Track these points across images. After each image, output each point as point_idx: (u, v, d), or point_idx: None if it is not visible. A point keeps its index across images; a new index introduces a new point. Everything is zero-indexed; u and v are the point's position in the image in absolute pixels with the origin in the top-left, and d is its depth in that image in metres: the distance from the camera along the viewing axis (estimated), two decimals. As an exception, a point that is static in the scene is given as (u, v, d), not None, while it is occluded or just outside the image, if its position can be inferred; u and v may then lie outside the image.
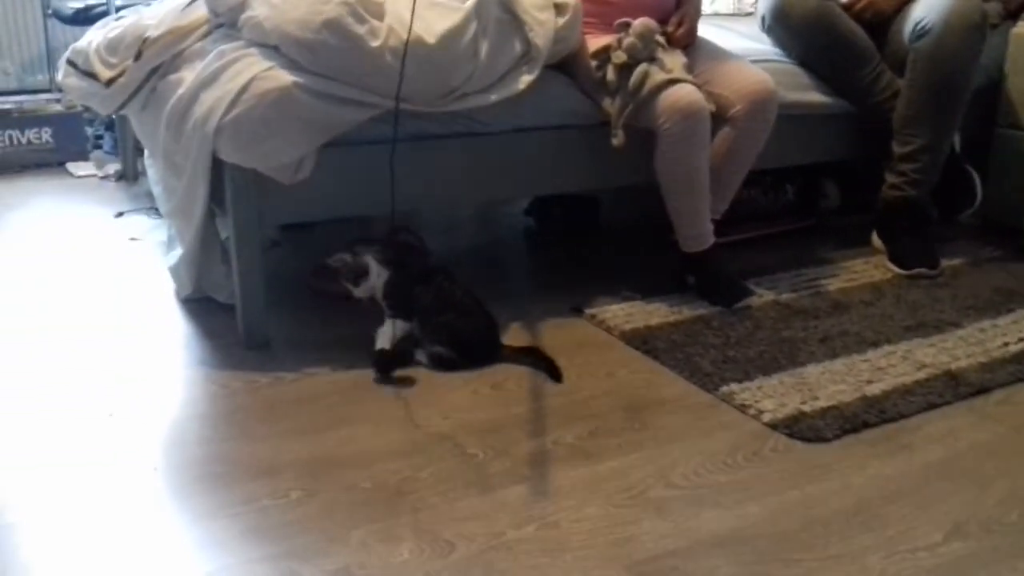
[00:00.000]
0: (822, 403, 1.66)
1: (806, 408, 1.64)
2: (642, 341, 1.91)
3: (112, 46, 2.11)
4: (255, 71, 1.78)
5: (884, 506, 1.38)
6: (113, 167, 3.45)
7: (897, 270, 2.35)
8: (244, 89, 1.76)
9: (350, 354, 1.89)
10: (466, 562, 1.24)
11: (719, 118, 2.10)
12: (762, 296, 2.17)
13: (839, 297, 2.18)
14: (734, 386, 1.72)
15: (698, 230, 2.12)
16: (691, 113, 1.98)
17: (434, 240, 2.69)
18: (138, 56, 2.02)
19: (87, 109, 3.46)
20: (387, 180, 1.96)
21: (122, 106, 2.14)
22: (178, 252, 2.14)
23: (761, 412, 1.63)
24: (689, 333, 1.96)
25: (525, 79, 1.99)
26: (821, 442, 1.55)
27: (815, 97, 2.44)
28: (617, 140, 2.05)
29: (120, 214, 2.95)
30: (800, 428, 1.58)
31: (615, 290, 2.21)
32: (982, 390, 1.72)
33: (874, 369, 1.79)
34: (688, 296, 2.16)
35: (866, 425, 1.60)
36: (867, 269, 2.38)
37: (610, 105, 2.07)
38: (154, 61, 2.01)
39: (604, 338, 1.98)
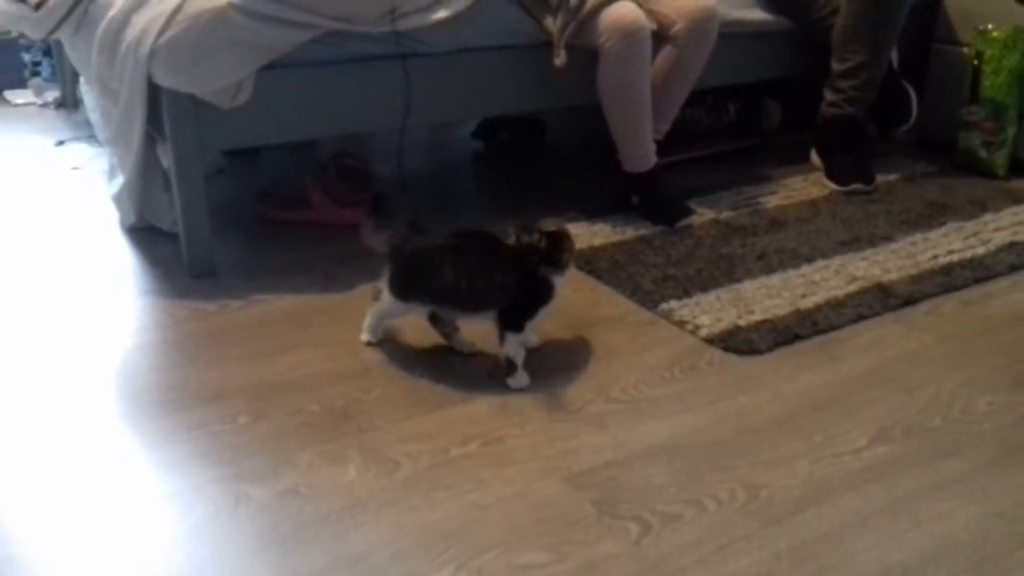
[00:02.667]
0: (757, 317, 1.68)
1: (741, 322, 1.66)
2: (585, 261, 1.92)
3: (39, -33, 2.01)
4: (187, -8, 1.71)
5: (813, 414, 1.41)
6: (52, 94, 3.33)
7: (834, 186, 2.37)
8: (177, 10, 1.70)
9: (297, 280, 1.87)
10: (412, 479, 1.26)
11: (660, 37, 2.08)
12: (703, 215, 2.18)
13: (777, 214, 2.19)
14: (673, 303, 1.74)
15: (640, 150, 2.11)
16: (632, 31, 1.95)
17: (382, 165, 2.66)
18: (67, -23, 1.93)
19: (23, 35, 3.32)
20: (329, 103, 1.93)
21: (54, 30, 2.05)
22: (120, 180, 2.08)
23: (698, 328, 1.65)
24: (631, 253, 1.97)
25: (466, -4, 1.95)
26: (755, 355, 1.58)
27: (756, 15, 2.42)
28: (559, 60, 2.02)
29: (61, 142, 2.86)
30: (735, 342, 1.60)
31: (560, 211, 2.20)
32: (910, 301, 1.76)
33: (808, 283, 1.82)
34: (631, 216, 2.16)
35: (798, 337, 1.63)
36: (805, 186, 2.40)
37: (552, 24, 2.03)
38: (84, -17, 1.92)
39: (549, 258, 1.98)
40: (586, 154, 2.79)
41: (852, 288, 1.80)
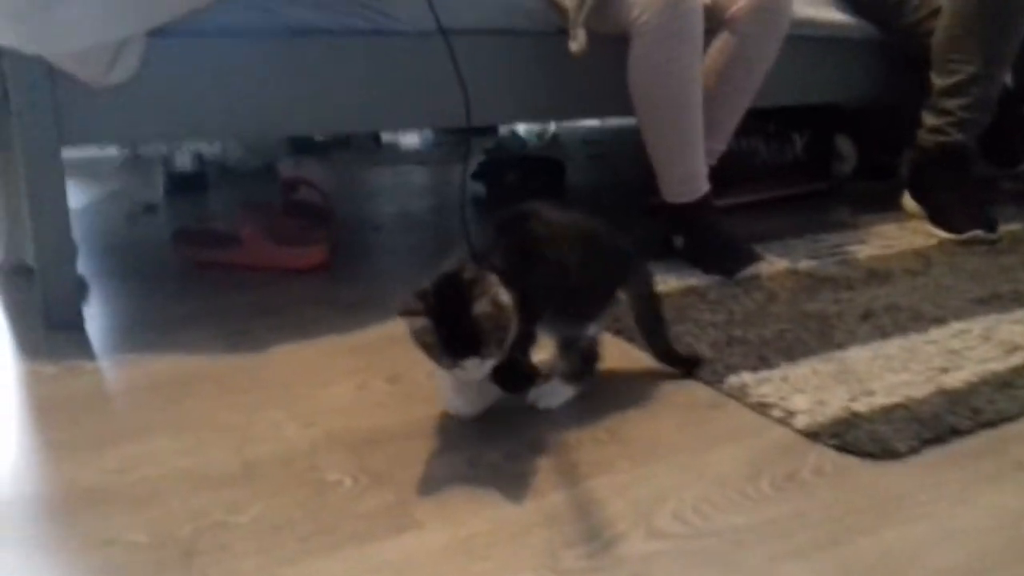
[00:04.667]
0: (881, 400, 1.07)
1: (859, 407, 1.05)
2: (614, 319, 1.31)
3: None
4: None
5: (1020, 566, 0.78)
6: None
7: (943, 234, 1.77)
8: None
9: (190, 335, 1.29)
10: None
11: (714, 21, 1.53)
12: (772, 264, 1.58)
13: (875, 265, 1.60)
14: (746, 376, 1.13)
15: (688, 170, 1.53)
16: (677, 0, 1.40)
17: (358, 205, 2.12)
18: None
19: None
20: (256, 90, 1.37)
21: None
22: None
23: (792, 414, 1.04)
24: (677, 307, 1.37)
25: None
26: (891, 458, 0.96)
27: (832, 15, 1.89)
28: (577, 44, 1.46)
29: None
30: (855, 437, 0.99)
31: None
32: (1110, 380, 1.14)
33: (946, 352, 1.21)
34: (674, 263, 1.57)
35: (955, 432, 1.01)
36: (903, 235, 1.80)
37: (567, -1, 1.49)
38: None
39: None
40: (610, 202, 2.22)
41: (1015, 360, 1.18)
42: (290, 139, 2.60)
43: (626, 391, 1.12)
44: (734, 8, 1.52)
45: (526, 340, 1.01)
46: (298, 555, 0.78)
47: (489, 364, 0.93)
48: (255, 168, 2.37)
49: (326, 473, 0.92)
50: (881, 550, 0.81)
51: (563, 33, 1.51)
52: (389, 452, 0.97)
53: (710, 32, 1.51)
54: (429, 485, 0.91)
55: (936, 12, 1.84)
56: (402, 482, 0.91)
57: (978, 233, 1.73)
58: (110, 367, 1.19)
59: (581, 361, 1.08)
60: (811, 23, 1.81)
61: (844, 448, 0.97)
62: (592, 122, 3.32)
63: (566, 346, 1.07)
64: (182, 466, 0.93)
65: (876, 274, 1.54)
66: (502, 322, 0.92)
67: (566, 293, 1.02)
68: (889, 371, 1.15)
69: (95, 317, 1.36)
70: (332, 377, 1.15)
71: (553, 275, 1.01)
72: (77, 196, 2.14)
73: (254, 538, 0.81)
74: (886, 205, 1.99)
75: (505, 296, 0.92)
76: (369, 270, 1.64)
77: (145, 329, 1.32)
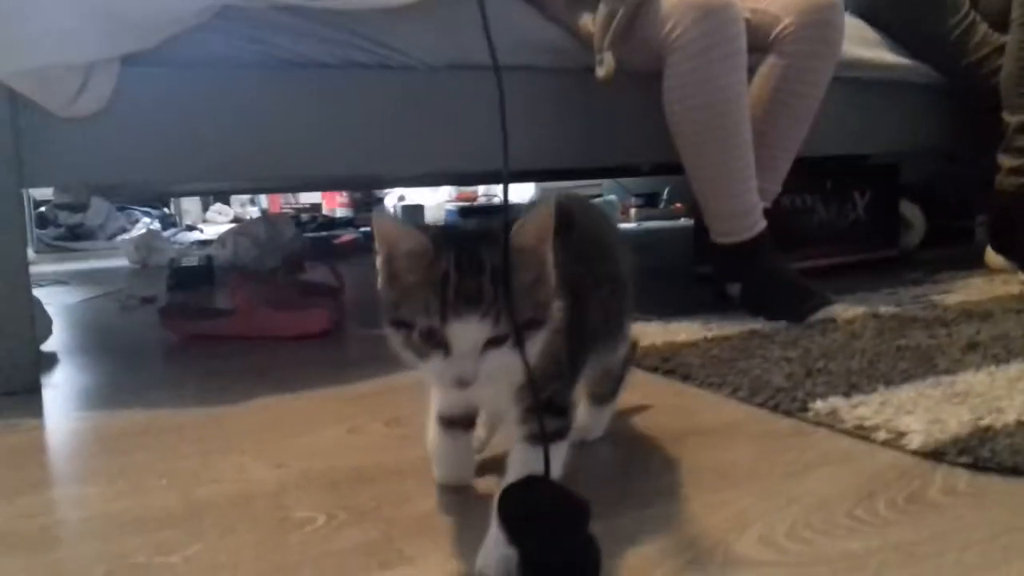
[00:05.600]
0: (1014, 416, 0.84)
1: (990, 423, 0.82)
2: (663, 359, 1.12)
3: None
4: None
5: None
6: None
7: (1042, 280, 1.56)
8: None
9: (156, 395, 1.11)
10: None
11: (756, 46, 1.39)
12: (848, 308, 1.37)
13: (970, 308, 1.38)
14: (838, 401, 0.91)
15: (740, 206, 1.35)
16: (714, 8, 1.26)
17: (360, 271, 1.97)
18: None
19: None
20: (243, 129, 1.24)
21: None
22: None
23: (902, 435, 0.81)
24: (739, 348, 1.16)
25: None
26: (1046, 475, 0.73)
27: (885, 56, 1.74)
28: (604, 70, 1.32)
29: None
30: (993, 451, 0.76)
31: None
32: None
33: (1083, 374, 0.98)
34: (731, 315, 1.36)
35: (1122, 446, 0.77)
36: (993, 285, 1.59)
37: (591, 22, 1.37)
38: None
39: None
40: (655, 272, 2.04)
41: None
42: (311, 241, 2.50)
43: (680, 422, 0.91)
44: (779, 27, 1.38)
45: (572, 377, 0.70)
46: (235, 596, 0.57)
47: (497, 357, 0.60)
48: (271, 269, 2.24)
49: (293, 511, 0.71)
50: (1065, 572, 0.57)
51: (590, 72, 1.37)
52: (377, 489, 0.75)
53: (753, 58, 1.37)
54: (422, 519, 0.69)
55: (1000, 49, 1.70)
56: (390, 517, 0.69)
57: (1084, 276, 1.51)
58: (57, 423, 1.00)
59: (613, 381, 0.86)
60: (865, 64, 1.67)
61: (979, 466, 0.74)
62: (631, 225, 3.22)
63: (599, 377, 0.84)
64: (110, 510, 0.73)
65: (972, 314, 1.32)
66: (543, 281, 0.62)
67: (606, 318, 0.77)
68: (1016, 392, 0.92)
69: (59, 384, 1.18)
70: (319, 424, 0.95)
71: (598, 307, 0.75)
72: (76, 294, 2.02)
73: (181, 578, 0.60)
74: (967, 266, 1.78)
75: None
76: (379, 333, 1.46)
77: (110, 392, 1.14)
